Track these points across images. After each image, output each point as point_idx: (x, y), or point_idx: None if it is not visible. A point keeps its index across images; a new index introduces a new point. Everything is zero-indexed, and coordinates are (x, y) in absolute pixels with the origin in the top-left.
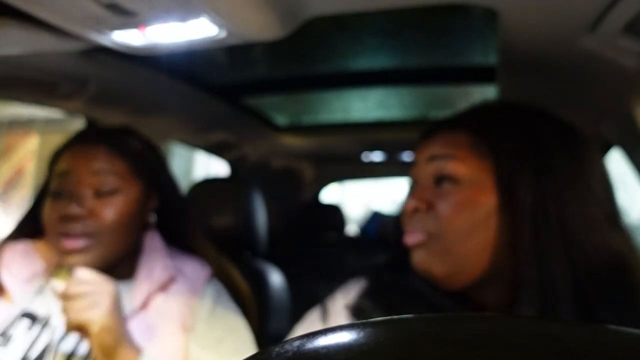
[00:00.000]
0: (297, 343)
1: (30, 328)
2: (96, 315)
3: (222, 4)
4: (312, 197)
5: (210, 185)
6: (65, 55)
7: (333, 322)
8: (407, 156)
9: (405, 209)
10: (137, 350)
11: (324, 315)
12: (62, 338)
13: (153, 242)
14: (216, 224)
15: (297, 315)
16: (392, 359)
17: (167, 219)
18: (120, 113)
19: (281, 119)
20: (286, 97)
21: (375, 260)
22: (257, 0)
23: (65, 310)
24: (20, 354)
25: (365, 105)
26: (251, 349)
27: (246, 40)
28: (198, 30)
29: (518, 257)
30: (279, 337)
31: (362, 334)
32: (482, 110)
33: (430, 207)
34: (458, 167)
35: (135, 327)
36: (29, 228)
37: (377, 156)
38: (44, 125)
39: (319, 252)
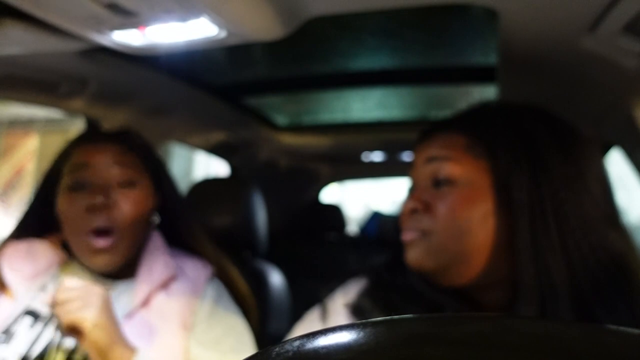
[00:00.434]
0: (297, 343)
1: (32, 326)
2: (88, 313)
3: (222, 4)
4: (312, 197)
5: (210, 185)
6: (65, 55)
7: (333, 322)
8: (407, 156)
9: (403, 209)
10: (131, 349)
11: (324, 315)
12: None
13: (155, 242)
14: (216, 224)
15: (297, 315)
16: (392, 359)
17: (169, 219)
18: (120, 113)
19: (281, 119)
20: (286, 97)
21: (375, 260)
22: (257, 0)
23: (57, 315)
24: (23, 352)
25: (365, 105)
26: (251, 348)
27: (246, 40)
28: (198, 30)
29: (516, 257)
30: (279, 337)
31: (362, 334)
32: (478, 112)
33: (427, 208)
34: (455, 169)
35: (136, 325)
36: (32, 227)
37: (377, 156)
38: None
39: (319, 252)
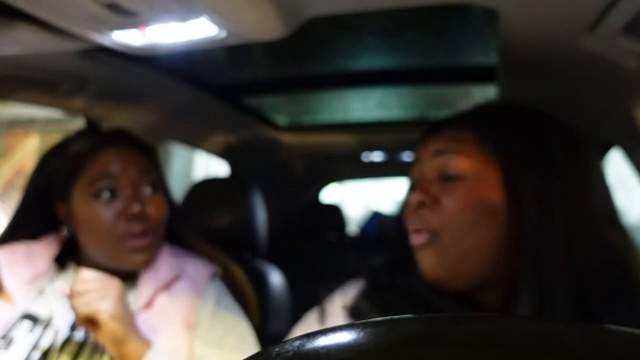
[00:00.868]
0: (297, 343)
1: (31, 330)
2: (105, 305)
3: (222, 4)
4: (312, 197)
5: (210, 185)
6: (65, 55)
7: (330, 323)
8: (407, 156)
9: (409, 203)
10: (146, 342)
11: (322, 317)
12: (66, 338)
13: (162, 245)
14: (216, 224)
15: (297, 315)
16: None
17: (169, 220)
18: (120, 113)
19: (281, 119)
20: (286, 97)
21: (375, 260)
22: (257, 0)
23: (73, 307)
24: (22, 357)
25: (365, 105)
26: (253, 348)
27: (246, 40)
28: (198, 30)
29: (520, 254)
30: (279, 337)
31: (362, 334)
32: (487, 110)
33: (435, 201)
34: (463, 163)
35: (140, 326)
36: (26, 227)
37: (377, 156)
38: (44, 125)
39: (319, 252)
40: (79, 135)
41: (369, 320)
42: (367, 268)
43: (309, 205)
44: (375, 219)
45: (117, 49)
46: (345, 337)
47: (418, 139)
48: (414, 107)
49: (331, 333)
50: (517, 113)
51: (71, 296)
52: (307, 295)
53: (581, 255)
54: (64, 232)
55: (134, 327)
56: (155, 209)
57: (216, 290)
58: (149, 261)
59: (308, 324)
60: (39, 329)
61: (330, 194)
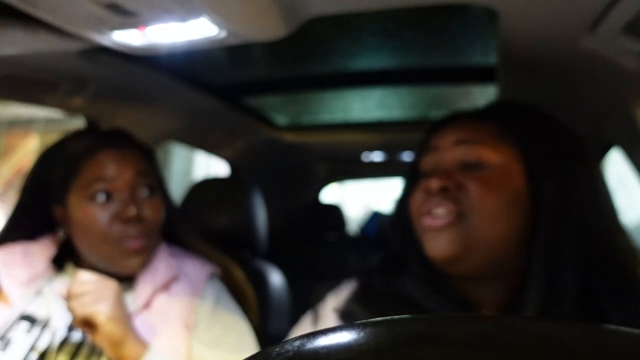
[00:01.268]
0: (297, 343)
1: (29, 331)
2: (102, 307)
3: (222, 4)
4: (312, 197)
5: (210, 185)
6: (65, 55)
7: (322, 326)
8: (407, 156)
9: (427, 187)
10: (143, 343)
11: (315, 319)
12: (64, 339)
13: (159, 245)
14: (216, 224)
15: (297, 315)
16: (391, 359)
17: (167, 221)
18: (120, 113)
19: (281, 119)
20: (286, 97)
21: (374, 260)
22: (257, 0)
23: (70, 309)
24: (20, 358)
25: (365, 105)
26: (252, 347)
27: (246, 40)
28: (198, 30)
29: (533, 247)
30: (279, 337)
31: (362, 334)
32: (506, 107)
33: (459, 186)
34: (488, 153)
35: (139, 327)
36: (23, 228)
37: (377, 156)
38: (44, 125)
39: (319, 252)
40: (76, 135)
41: (369, 320)
42: (360, 269)
43: (309, 205)
44: (375, 219)
45: (117, 49)
46: (345, 337)
47: (432, 129)
48: (414, 107)
49: (331, 333)
50: (535, 113)
51: (68, 298)
52: (307, 295)
53: (590, 254)
54: (61, 233)
55: (132, 329)
56: (151, 212)
57: (215, 290)
58: (144, 264)
59: (303, 326)
60: (36, 330)
61: (330, 194)
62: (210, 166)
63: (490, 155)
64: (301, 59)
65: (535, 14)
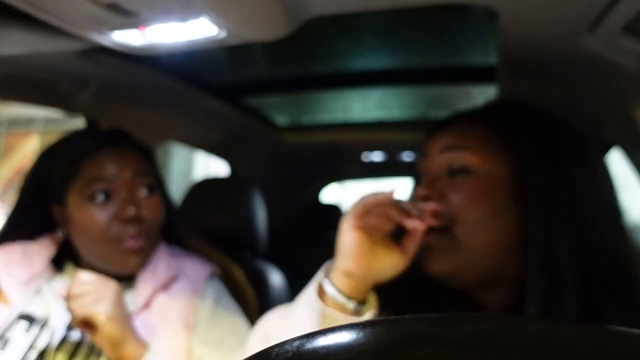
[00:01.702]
0: (297, 343)
1: (28, 330)
2: (102, 307)
3: (222, 4)
4: (312, 197)
5: (210, 185)
6: (65, 55)
7: None
8: (407, 156)
9: (416, 197)
10: (143, 344)
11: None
12: (63, 338)
13: (159, 245)
14: (216, 224)
15: None
16: (391, 359)
17: (167, 221)
18: (120, 113)
19: (281, 119)
20: (286, 97)
21: None
22: (257, 0)
23: (70, 309)
24: (19, 357)
25: (365, 105)
26: None
27: (246, 40)
28: (198, 30)
29: (528, 252)
30: None
31: (362, 334)
32: (498, 107)
33: (442, 197)
34: (473, 159)
35: (138, 327)
36: (23, 228)
37: (377, 156)
38: (44, 125)
39: (319, 252)
40: (76, 135)
41: (369, 320)
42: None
43: (309, 205)
44: None
45: (117, 49)
46: (345, 337)
47: (426, 134)
48: (414, 107)
49: (331, 333)
50: (529, 111)
51: (68, 298)
52: None
53: (589, 256)
54: (60, 233)
55: (132, 329)
56: (150, 212)
57: (215, 290)
58: (143, 264)
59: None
60: (35, 329)
61: (330, 194)
62: (210, 166)
63: (477, 162)
64: (301, 59)
65: (535, 14)
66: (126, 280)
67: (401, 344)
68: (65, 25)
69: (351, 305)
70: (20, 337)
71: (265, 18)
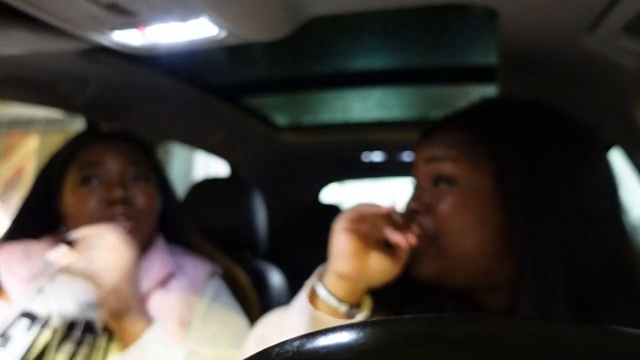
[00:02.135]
0: (297, 343)
1: (29, 328)
2: (111, 274)
3: (222, 4)
4: (312, 197)
5: (210, 185)
6: (65, 55)
7: None
8: (407, 156)
9: (406, 210)
10: (148, 319)
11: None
12: (63, 337)
13: (156, 241)
14: (216, 224)
15: None
16: (391, 359)
17: (168, 220)
18: (120, 113)
19: (281, 119)
20: (286, 97)
21: None
22: (257, 0)
23: (75, 257)
24: (20, 355)
25: (365, 105)
26: None
27: (246, 40)
28: (198, 30)
29: (514, 259)
30: None
31: (361, 334)
32: (480, 110)
33: (428, 209)
34: (455, 169)
35: None
36: (28, 227)
37: (377, 156)
38: (44, 125)
39: (319, 252)
40: (78, 133)
41: (369, 320)
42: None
43: (309, 205)
44: None
45: (117, 49)
46: (345, 337)
47: (416, 143)
48: (414, 107)
49: (331, 333)
50: (512, 112)
51: (76, 244)
52: None
53: (579, 258)
54: (63, 231)
55: (137, 303)
56: (142, 197)
57: (214, 288)
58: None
59: None
60: (36, 327)
61: (330, 194)
62: (210, 166)
63: (460, 172)
64: (301, 59)
65: (535, 14)
66: None
67: (401, 344)
68: (65, 26)
69: (343, 308)
70: (22, 335)
71: (265, 18)
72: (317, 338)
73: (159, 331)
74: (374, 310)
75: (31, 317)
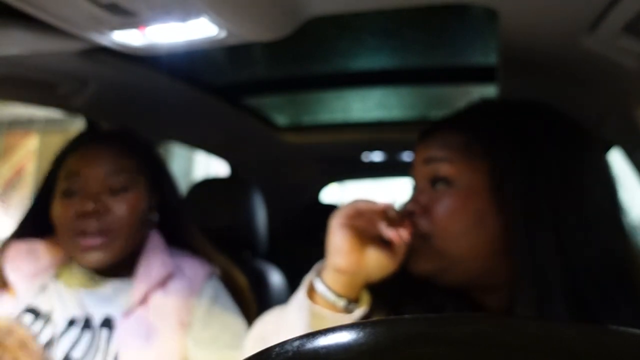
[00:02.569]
0: (297, 343)
1: (32, 323)
2: None
3: (222, 4)
4: (312, 197)
5: (210, 185)
6: (65, 55)
7: None
8: (407, 156)
9: (403, 211)
10: None
11: None
12: (63, 333)
13: (153, 241)
14: (216, 224)
15: None
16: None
17: (168, 219)
18: (120, 113)
19: (281, 119)
20: (286, 97)
21: None
22: (257, 0)
23: None
24: None
25: (365, 105)
26: None
27: (246, 41)
28: (198, 30)
29: (512, 259)
30: None
31: (361, 334)
32: (477, 110)
33: (425, 210)
34: (452, 170)
35: (134, 324)
36: (32, 227)
37: (377, 156)
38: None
39: (319, 252)
40: (77, 134)
41: (369, 320)
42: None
43: (309, 205)
44: None
45: (117, 49)
46: (345, 337)
47: (414, 144)
48: (414, 107)
49: (331, 333)
50: (510, 112)
51: None
52: None
53: (579, 259)
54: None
55: None
56: (120, 207)
57: (213, 289)
58: (105, 261)
59: None
60: (39, 323)
61: (330, 194)
62: (210, 166)
63: (456, 173)
64: (301, 59)
65: (535, 14)
66: (123, 276)
67: (401, 344)
68: (65, 26)
69: (341, 303)
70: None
71: (265, 18)
72: (317, 338)
73: None
74: (373, 306)
75: (35, 312)
